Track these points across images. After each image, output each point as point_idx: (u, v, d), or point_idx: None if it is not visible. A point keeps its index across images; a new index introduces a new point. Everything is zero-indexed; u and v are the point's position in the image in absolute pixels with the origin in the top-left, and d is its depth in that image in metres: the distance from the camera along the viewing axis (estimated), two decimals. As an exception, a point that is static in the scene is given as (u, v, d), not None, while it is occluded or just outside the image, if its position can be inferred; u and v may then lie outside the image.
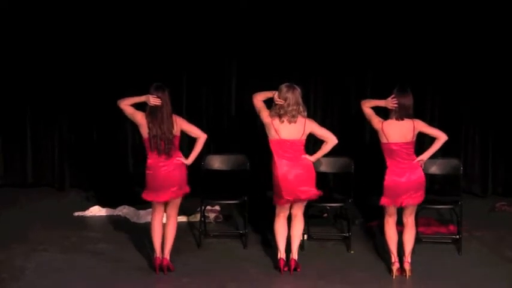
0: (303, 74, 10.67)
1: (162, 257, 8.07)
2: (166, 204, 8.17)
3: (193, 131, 8.16)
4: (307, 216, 8.82)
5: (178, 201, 8.18)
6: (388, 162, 8.01)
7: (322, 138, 8.15)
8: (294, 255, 8.14)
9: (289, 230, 8.22)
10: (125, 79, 10.81)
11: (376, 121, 8.03)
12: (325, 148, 8.12)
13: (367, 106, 8.11)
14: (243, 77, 10.91)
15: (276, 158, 8.13)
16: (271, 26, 10.72)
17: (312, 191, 8.11)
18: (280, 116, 8.01)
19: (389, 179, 7.96)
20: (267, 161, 11.01)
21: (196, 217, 9.41)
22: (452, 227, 9.16)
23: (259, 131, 10.88)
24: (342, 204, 9.16)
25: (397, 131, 7.92)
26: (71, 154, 11.24)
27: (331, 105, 10.97)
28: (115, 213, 10.12)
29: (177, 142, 8.07)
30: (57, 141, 11.23)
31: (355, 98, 10.79)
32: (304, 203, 8.22)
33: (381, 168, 10.80)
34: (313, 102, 10.70)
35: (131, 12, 10.79)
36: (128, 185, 10.93)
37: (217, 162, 9.29)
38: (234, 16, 10.73)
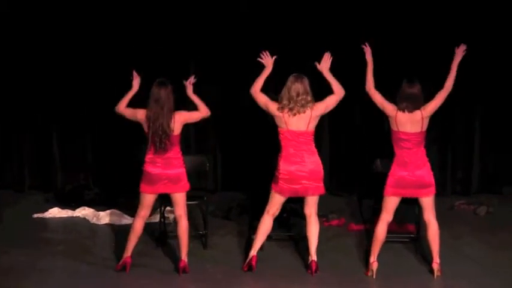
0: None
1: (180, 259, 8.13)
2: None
3: (195, 114, 8.16)
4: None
5: (181, 196, 8.16)
6: (396, 151, 8.07)
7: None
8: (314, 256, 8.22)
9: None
10: (90, 79, 10.82)
11: (390, 108, 8.03)
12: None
13: (373, 89, 8.11)
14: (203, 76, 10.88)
15: (283, 148, 8.07)
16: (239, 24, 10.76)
17: (318, 187, 8.16)
18: (291, 109, 7.97)
19: (394, 170, 8.06)
20: (226, 161, 11.13)
21: (156, 218, 9.38)
22: (410, 226, 9.21)
23: (219, 131, 10.98)
24: (301, 204, 9.15)
25: (408, 122, 7.99)
26: (30, 155, 11.15)
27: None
28: (74, 215, 10.07)
29: (176, 140, 8.02)
30: (15, 142, 11.12)
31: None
32: (315, 201, 8.23)
33: (339, 163, 10.93)
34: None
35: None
36: (88, 186, 10.88)
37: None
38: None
